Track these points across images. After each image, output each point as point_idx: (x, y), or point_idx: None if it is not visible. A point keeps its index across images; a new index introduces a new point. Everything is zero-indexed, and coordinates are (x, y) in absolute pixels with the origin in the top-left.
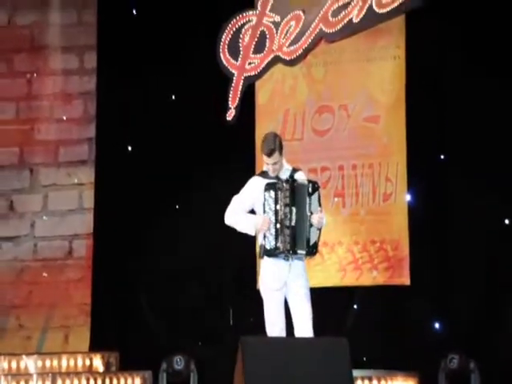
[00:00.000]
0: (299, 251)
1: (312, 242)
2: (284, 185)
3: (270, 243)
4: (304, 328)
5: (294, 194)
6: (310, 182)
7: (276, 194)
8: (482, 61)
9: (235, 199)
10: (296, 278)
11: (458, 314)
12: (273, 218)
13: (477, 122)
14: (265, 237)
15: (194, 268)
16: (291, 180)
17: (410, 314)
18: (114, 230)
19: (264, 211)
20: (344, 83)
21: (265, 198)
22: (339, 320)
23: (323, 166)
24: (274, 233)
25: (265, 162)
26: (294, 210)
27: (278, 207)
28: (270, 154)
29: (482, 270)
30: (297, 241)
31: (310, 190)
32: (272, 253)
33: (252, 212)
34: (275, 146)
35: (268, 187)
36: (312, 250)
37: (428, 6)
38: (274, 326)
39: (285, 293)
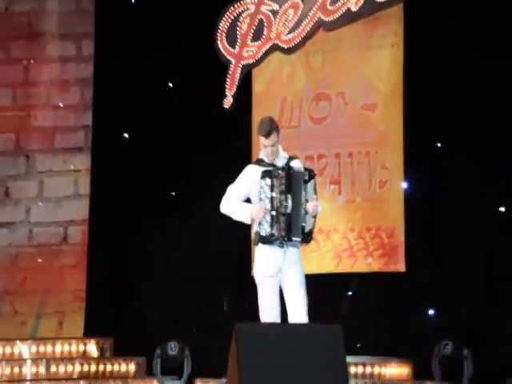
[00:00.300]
0: (294, 238)
1: (307, 229)
2: (280, 172)
3: (265, 230)
4: (298, 314)
5: (289, 182)
6: (306, 169)
7: (272, 182)
8: (480, 48)
9: (231, 188)
10: (291, 264)
11: (452, 301)
12: (268, 206)
13: (474, 110)
14: (260, 224)
15: (189, 254)
16: (287, 167)
17: (404, 300)
18: (109, 217)
19: (260, 199)
20: (342, 71)
21: (261, 186)
22: (334, 306)
23: (320, 153)
24: (269, 220)
25: (262, 145)
26: (289, 197)
27: (274, 194)
28: (267, 135)
29: (477, 257)
30: (292, 228)
31: (306, 177)
32: (267, 240)
33: (248, 200)
34: (272, 127)
35: (264, 175)
36: (307, 238)
37: None
38: (269, 313)
39: (280, 279)
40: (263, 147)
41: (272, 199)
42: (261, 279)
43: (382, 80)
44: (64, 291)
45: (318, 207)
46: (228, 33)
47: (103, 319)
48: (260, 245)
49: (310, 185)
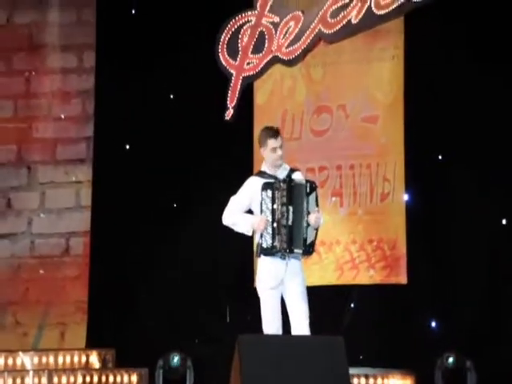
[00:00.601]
0: (296, 250)
1: (309, 241)
2: (281, 184)
3: (266, 242)
4: (301, 326)
5: (291, 194)
6: (307, 181)
7: (273, 194)
8: (481, 60)
9: (232, 200)
10: (293, 276)
11: (455, 312)
12: (270, 218)
13: (475, 120)
14: (262, 235)
15: (192, 266)
16: (288, 179)
17: (406, 312)
18: (111, 228)
19: (261, 211)
20: (342, 84)
21: (262, 198)
22: (336, 318)
23: (321, 165)
24: (270, 232)
25: (271, 149)
26: (290, 209)
27: (276, 206)
28: (276, 135)
29: (479, 269)
30: (294, 240)
31: (308, 189)
32: (269, 252)
33: (250, 212)
34: (278, 129)
35: (265, 186)
36: (309, 250)
37: (427, 7)
38: (271, 325)
39: (282, 291)
40: (272, 152)
41: (273, 211)
42: (263, 291)
43: (383, 92)
44: (66, 302)
45: (319, 219)
46: (229, 45)
47: (105, 330)
48: (262, 256)
49: (312, 197)
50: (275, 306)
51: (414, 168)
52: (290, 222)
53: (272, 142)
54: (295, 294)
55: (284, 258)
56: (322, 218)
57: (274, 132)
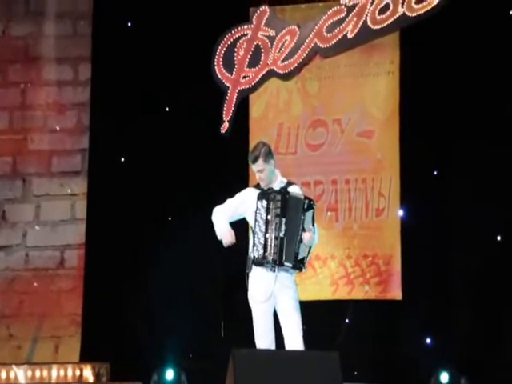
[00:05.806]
0: (286, 263)
1: (300, 256)
2: (276, 195)
3: (258, 252)
4: (294, 340)
5: (285, 206)
6: (306, 198)
7: (268, 204)
8: (476, 76)
9: (227, 202)
10: (284, 289)
11: (450, 329)
12: (263, 228)
13: (470, 137)
14: (254, 245)
15: (185, 279)
16: (284, 191)
17: (401, 328)
18: (106, 241)
19: (255, 220)
20: (338, 98)
21: (257, 207)
22: (331, 334)
23: (316, 179)
24: (263, 242)
25: (254, 170)
26: (283, 221)
27: (269, 217)
28: (253, 161)
29: (474, 285)
30: (284, 253)
31: (306, 206)
32: (260, 262)
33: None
34: (260, 153)
35: (261, 196)
36: (299, 265)
37: (422, 22)
38: (263, 339)
39: (273, 305)
40: (255, 173)
41: (267, 221)
42: (253, 305)
43: (379, 107)
44: (60, 315)
45: (312, 239)
46: (225, 58)
47: (99, 344)
48: (253, 269)
49: (309, 214)
50: (267, 320)
51: (410, 184)
52: (281, 234)
53: (253, 167)
54: (287, 308)
55: (274, 270)
56: (317, 239)
57: (251, 157)
